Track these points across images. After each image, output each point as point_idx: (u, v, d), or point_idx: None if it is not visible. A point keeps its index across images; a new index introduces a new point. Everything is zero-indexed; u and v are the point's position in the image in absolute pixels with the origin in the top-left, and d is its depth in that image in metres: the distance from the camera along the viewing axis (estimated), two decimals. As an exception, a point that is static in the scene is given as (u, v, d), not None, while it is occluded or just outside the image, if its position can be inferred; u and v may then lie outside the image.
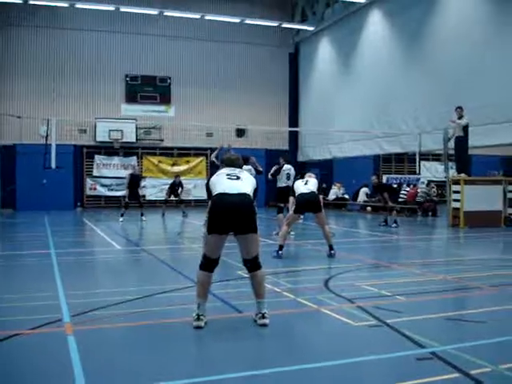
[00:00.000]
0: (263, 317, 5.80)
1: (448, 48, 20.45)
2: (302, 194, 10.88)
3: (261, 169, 14.84)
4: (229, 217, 5.81)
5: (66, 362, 4.63)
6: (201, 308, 5.76)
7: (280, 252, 10.57)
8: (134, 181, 20.23)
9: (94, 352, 4.98)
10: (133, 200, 20.16)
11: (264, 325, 5.74)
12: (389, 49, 24.18)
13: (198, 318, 5.69)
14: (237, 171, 6.17)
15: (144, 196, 28.89)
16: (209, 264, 6.08)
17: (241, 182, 6.00)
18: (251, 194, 6.03)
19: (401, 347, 5.01)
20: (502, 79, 17.87)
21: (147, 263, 10.71)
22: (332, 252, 10.78)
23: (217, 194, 5.92)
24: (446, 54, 20.52)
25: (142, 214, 19.80)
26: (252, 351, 5.16)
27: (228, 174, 6.07)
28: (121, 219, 19.29)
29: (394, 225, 17.21)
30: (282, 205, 14.83)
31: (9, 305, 6.76)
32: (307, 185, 10.99)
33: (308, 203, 10.80)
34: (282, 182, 14.78)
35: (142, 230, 17.96)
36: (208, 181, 6.30)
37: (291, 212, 11.06)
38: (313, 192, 10.93)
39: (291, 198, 12.51)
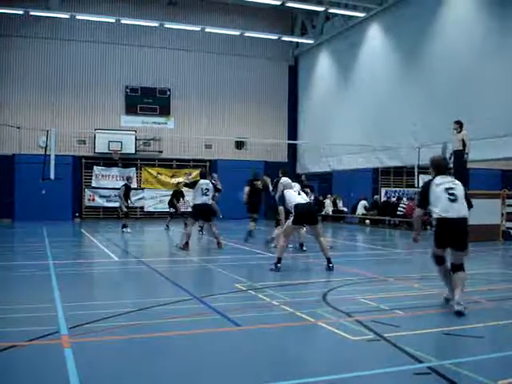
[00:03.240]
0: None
1: (446, 62, 20.54)
2: (300, 204, 10.77)
3: (220, 187, 15.25)
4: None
5: (63, 374, 4.60)
6: None
7: (278, 265, 10.48)
8: (129, 191, 20.26)
9: (91, 365, 4.96)
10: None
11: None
12: (387, 62, 24.29)
13: None
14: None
15: (142, 207, 28.94)
16: None
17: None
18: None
19: (398, 362, 5.00)
20: (501, 93, 17.94)
21: (145, 275, 10.68)
22: (330, 265, 10.69)
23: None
24: (445, 67, 20.61)
25: (123, 224, 19.77)
26: (249, 365, 5.14)
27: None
28: (128, 230, 19.26)
29: None
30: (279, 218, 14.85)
31: (5, 316, 6.74)
32: (301, 195, 11.01)
33: (308, 214, 10.76)
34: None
35: (140, 242, 17.94)
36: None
37: (289, 223, 10.88)
38: (310, 202, 11.00)
39: (281, 208, 12.27)
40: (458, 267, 7.08)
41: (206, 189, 14.02)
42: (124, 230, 19.65)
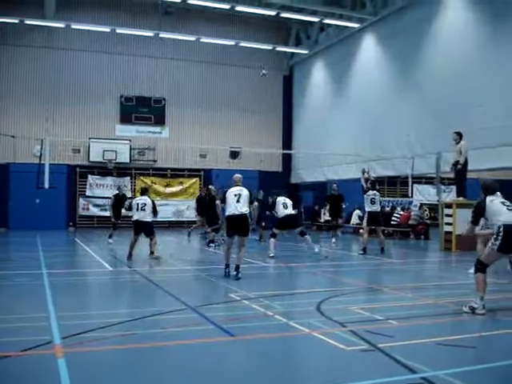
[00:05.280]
0: None
1: (440, 72, 20.64)
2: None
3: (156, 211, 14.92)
4: None
5: (56, 384, 4.59)
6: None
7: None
8: (120, 202, 19.28)
9: (84, 375, 4.95)
10: (118, 220, 19.65)
11: None
12: (382, 73, 24.39)
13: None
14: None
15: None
16: None
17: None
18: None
19: (392, 372, 5.00)
20: (495, 104, 18.02)
21: (139, 285, 10.66)
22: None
23: None
24: (439, 78, 20.71)
25: (109, 234, 19.21)
26: (243, 376, 5.14)
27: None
28: (110, 241, 18.89)
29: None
30: (277, 231, 15.64)
31: (-1, 326, 6.72)
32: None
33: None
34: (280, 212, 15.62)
35: (134, 251, 17.89)
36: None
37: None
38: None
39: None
40: None
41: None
42: (109, 240, 19.26)
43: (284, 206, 15.41)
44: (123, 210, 18.26)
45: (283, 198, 15.88)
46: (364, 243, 16.19)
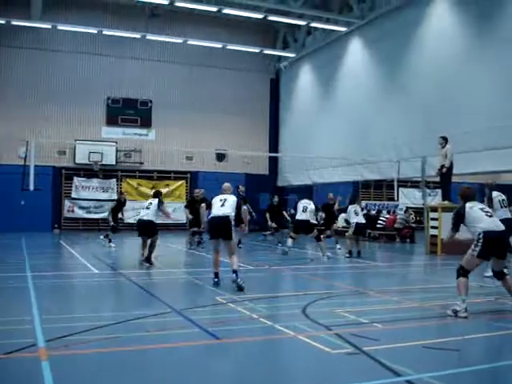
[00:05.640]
0: None
1: (426, 76, 20.76)
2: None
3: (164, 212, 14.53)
4: None
5: (40, 388, 4.56)
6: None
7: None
8: (120, 206, 19.70)
9: (68, 378, 4.92)
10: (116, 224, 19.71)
11: None
12: (369, 77, 24.49)
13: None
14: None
15: (122, 219, 28.69)
16: None
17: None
18: None
19: (377, 375, 5.02)
20: (480, 108, 18.13)
21: (124, 288, 10.62)
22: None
23: None
24: (424, 82, 20.83)
25: (109, 239, 19.16)
26: (228, 378, 5.14)
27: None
28: (112, 245, 18.71)
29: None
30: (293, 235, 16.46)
31: (-18, 329, 6.66)
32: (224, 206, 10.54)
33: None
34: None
35: (120, 254, 17.84)
36: None
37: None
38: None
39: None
40: None
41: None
42: (103, 240, 19.26)
43: (303, 210, 15.86)
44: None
45: (305, 201, 16.28)
46: (349, 247, 16.34)
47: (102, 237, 19.85)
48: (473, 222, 7.92)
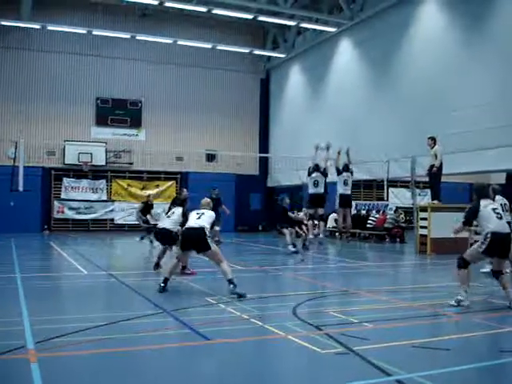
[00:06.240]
0: None
1: (415, 77, 20.81)
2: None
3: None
4: None
5: (29, 390, 4.54)
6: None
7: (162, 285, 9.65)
8: (149, 208, 20.93)
9: (57, 380, 4.90)
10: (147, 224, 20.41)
11: None
12: (358, 77, 24.54)
13: None
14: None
15: (112, 220, 28.68)
16: None
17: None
18: None
19: (367, 375, 5.03)
20: (470, 108, 18.20)
21: (114, 289, 10.58)
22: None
23: None
24: (414, 82, 20.88)
25: (150, 239, 19.39)
26: (218, 379, 5.13)
27: None
28: (154, 244, 17.77)
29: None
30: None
31: (-29, 331, 6.62)
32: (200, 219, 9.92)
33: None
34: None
35: (110, 255, 17.78)
36: None
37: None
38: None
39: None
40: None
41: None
42: (141, 241, 20.39)
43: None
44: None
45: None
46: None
47: (137, 239, 20.76)
48: (484, 221, 8.30)
